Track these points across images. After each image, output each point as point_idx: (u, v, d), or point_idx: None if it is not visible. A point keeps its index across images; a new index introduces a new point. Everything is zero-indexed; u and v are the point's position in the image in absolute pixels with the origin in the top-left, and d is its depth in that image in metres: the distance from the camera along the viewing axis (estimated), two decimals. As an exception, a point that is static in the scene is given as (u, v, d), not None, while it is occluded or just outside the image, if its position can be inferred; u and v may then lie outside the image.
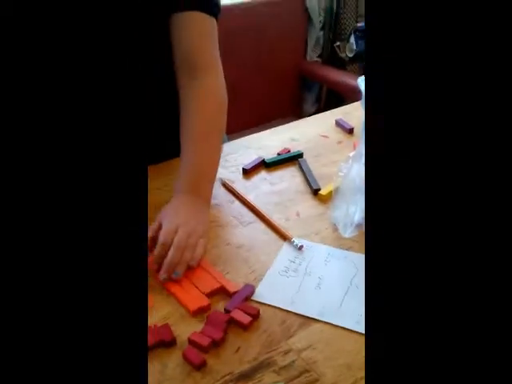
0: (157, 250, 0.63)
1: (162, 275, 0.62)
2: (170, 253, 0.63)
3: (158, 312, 0.59)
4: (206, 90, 0.78)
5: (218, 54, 0.80)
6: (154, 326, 0.56)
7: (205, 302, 0.59)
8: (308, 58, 2.13)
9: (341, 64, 2.06)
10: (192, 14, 0.75)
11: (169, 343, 0.54)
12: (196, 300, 0.59)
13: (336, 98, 2.04)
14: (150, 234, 0.66)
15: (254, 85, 2.00)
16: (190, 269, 0.64)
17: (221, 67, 0.81)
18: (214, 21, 0.79)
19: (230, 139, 1.00)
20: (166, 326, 0.55)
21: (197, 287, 0.61)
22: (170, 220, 0.67)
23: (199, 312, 0.58)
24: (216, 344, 0.54)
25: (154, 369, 0.52)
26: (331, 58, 2.10)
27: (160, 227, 0.66)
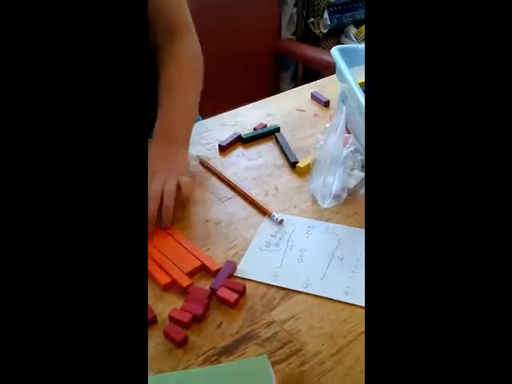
0: (150, 213, 0.65)
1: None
2: (148, 206, 0.64)
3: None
4: (185, 47, 0.81)
5: (190, 19, 0.84)
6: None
7: (186, 282, 0.58)
8: (282, 36, 2.11)
9: (315, 40, 2.04)
10: None
11: (149, 321, 0.53)
12: (176, 279, 0.58)
13: (313, 74, 2.02)
14: None
15: (229, 67, 1.97)
16: (170, 247, 0.63)
17: (195, 34, 0.84)
18: None
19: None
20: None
21: (177, 267, 0.60)
22: (155, 179, 0.68)
23: (170, 286, 0.58)
24: (197, 320, 0.53)
25: (135, 348, 0.51)
26: (306, 35, 2.08)
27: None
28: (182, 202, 0.69)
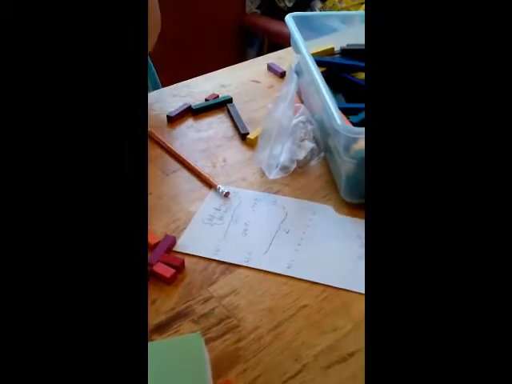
0: None
1: None
2: None
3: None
4: None
5: None
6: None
7: None
8: (247, 9, 2.05)
9: (281, 14, 1.99)
10: None
11: (77, 299, 0.49)
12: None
13: (278, 49, 1.98)
14: None
15: (193, 41, 1.91)
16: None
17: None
18: None
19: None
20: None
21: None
22: None
23: None
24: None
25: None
26: (270, 8, 2.03)
27: None
28: None
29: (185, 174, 0.69)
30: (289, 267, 0.55)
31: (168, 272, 0.52)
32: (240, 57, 2.12)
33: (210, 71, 0.97)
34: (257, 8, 2.05)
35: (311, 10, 2.00)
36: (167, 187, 0.67)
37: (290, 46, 0.88)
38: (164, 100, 0.87)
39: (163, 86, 0.98)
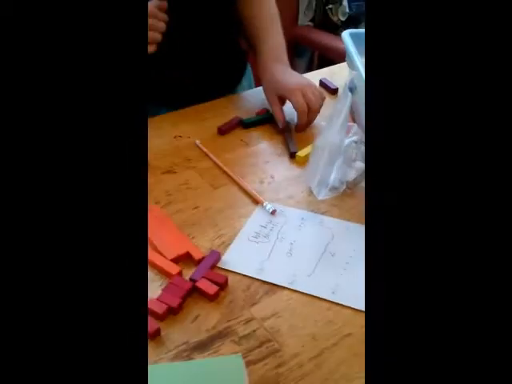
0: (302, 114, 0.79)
1: None
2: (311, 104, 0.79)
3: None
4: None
5: None
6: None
7: (174, 269, 0.54)
8: (299, 22, 2.05)
9: (333, 28, 1.98)
10: None
11: (121, 310, 0.50)
12: (164, 266, 0.55)
13: (328, 64, 1.97)
14: (281, 114, 0.82)
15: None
16: (154, 233, 0.59)
17: None
18: None
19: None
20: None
21: (161, 253, 0.57)
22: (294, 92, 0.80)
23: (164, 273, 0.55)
24: (173, 312, 0.50)
25: (104, 338, 0.48)
26: (323, 22, 2.02)
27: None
28: None
29: (232, 188, 0.69)
30: (333, 292, 0.54)
31: (212, 289, 0.52)
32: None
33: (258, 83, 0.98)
34: (310, 21, 2.05)
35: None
36: (214, 201, 0.67)
37: (341, 60, 0.88)
38: (214, 111, 0.87)
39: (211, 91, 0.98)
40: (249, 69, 1.04)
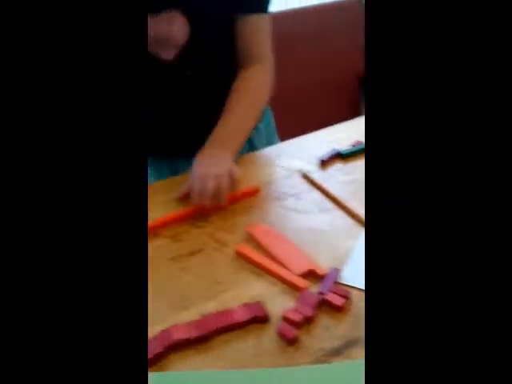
0: (192, 192, 0.75)
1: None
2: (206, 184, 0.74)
3: (249, 291, 0.61)
4: (256, 75, 0.87)
5: (269, 49, 0.89)
6: (247, 303, 0.58)
7: (303, 284, 0.60)
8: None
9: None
10: (251, 16, 0.84)
11: (262, 319, 0.56)
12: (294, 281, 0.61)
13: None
14: (184, 187, 0.78)
15: (312, 89, 2.01)
16: (280, 250, 0.66)
17: (272, 61, 0.89)
18: (267, 16, 0.87)
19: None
20: (259, 304, 0.57)
21: (289, 269, 0.63)
22: (198, 168, 0.77)
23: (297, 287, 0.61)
24: (308, 321, 0.56)
25: (249, 344, 0.54)
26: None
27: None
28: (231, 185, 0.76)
29: (340, 212, 0.75)
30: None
31: (339, 301, 0.57)
32: (357, 103, 2.18)
33: (328, 120, 1.04)
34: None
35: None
36: (325, 224, 0.73)
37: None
38: (312, 145, 0.95)
39: (288, 134, 1.04)
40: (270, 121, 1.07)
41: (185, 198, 0.78)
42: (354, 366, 0.51)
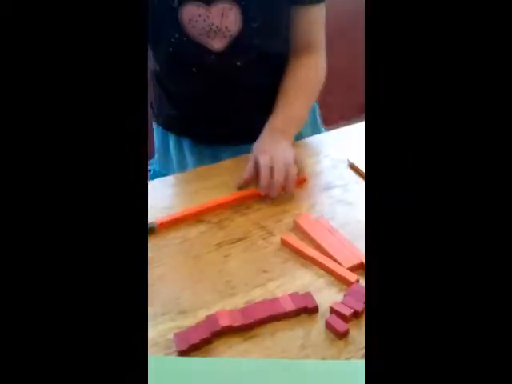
0: (263, 180, 0.72)
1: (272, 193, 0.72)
2: (263, 173, 0.72)
3: (296, 281, 0.60)
4: (310, 63, 0.88)
5: (323, 38, 0.89)
6: (295, 293, 0.57)
7: (352, 277, 0.59)
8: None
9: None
10: (307, 7, 0.84)
11: (311, 310, 0.55)
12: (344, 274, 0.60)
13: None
14: (247, 174, 0.76)
15: (359, 77, 1.97)
16: (329, 243, 0.64)
17: (325, 51, 0.90)
18: (323, 6, 0.86)
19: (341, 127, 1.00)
20: (308, 294, 0.56)
21: (338, 262, 0.61)
22: (263, 155, 0.75)
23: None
24: (356, 315, 0.54)
25: (296, 334, 0.53)
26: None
27: (256, 163, 0.75)
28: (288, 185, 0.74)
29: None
30: None
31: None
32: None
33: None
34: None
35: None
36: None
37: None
38: (357, 135, 0.92)
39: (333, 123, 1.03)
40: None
41: (245, 183, 0.76)
42: (354, 366, 0.49)
